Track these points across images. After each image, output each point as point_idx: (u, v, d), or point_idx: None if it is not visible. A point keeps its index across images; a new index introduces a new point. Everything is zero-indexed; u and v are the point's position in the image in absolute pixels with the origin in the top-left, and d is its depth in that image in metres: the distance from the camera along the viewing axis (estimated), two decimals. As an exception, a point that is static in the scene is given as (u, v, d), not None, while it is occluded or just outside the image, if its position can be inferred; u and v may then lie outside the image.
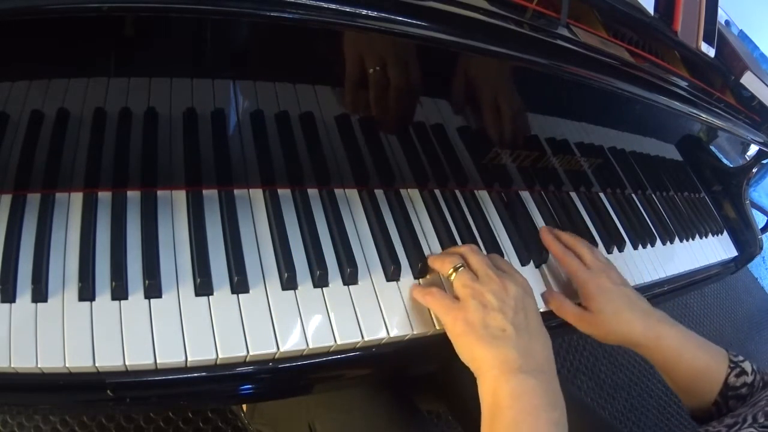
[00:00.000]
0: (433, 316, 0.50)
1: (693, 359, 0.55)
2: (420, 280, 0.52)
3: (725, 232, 1.02)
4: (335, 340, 0.45)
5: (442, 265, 0.51)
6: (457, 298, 0.48)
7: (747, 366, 0.55)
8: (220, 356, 0.41)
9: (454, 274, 0.49)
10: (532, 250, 0.62)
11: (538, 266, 0.62)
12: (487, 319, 0.45)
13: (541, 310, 0.59)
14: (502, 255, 0.59)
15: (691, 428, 0.50)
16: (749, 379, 0.54)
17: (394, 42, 0.44)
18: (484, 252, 0.57)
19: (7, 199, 0.42)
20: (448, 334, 0.47)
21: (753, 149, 0.95)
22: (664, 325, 0.56)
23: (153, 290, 0.42)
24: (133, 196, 0.46)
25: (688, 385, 0.56)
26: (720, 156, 0.96)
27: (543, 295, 0.60)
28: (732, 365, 0.55)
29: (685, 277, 0.83)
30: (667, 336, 0.55)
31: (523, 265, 0.61)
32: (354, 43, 0.43)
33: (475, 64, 0.50)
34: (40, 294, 0.39)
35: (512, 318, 0.46)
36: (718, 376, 0.54)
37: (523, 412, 0.41)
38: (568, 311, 0.58)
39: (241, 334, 0.42)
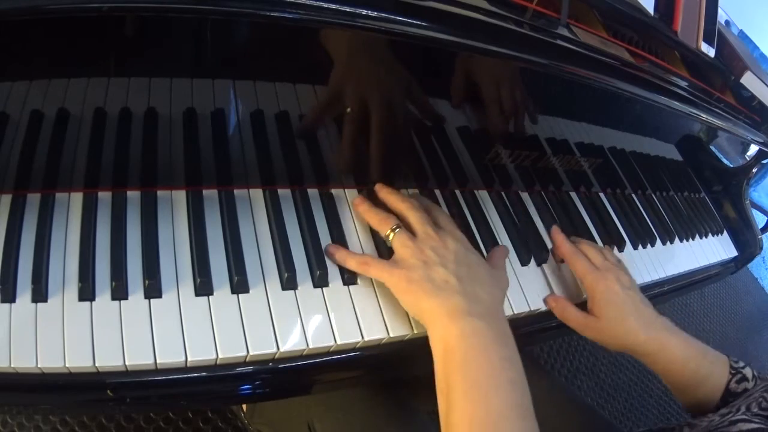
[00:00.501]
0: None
1: (696, 368, 0.55)
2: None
3: (725, 232, 1.02)
4: (335, 340, 0.45)
5: (380, 225, 0.50)
6: (396, 257, 0.48)
7: (748, 372, 0.55)
8: (220, 356, 0.41)
9: (392, 234, 0.49)
10: (532, 250, 0.62)
11: (538, 266, 0.62)
12: (430, 274, 0.45)
13: (543, 309, 0.59)
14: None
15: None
16: (749, 385, 0.54)
17: (393, 41, 0.44)
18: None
19: (7, 199, 0.42)
20: (395, 294, 0.47)
21: (753, 149, 0.95)
22: (667, 335, 0.56)
23: (153, 290, 0.42)
24: (133, 196, 0.46)
25: (691, 392, 0.56)
26: (720, 156, 0.96)
27: (546, 299, 0.59)
28: (733, 371, 0.55)
29: (685, 277, 0.83)
30: (670, 345, 0.55)
31: (523, 264, 0.61)
32: (354, 42, 0.43)
33: (474, 64, 0.50)
34: (40, 294, 0.39)
35: (455, 270, 0.46)
36: (719, 383, 0.54)
37: (473, 350, 0.42)
38: (571, 317, 0.58)
39: (241, 334, 0.42)
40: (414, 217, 0.50)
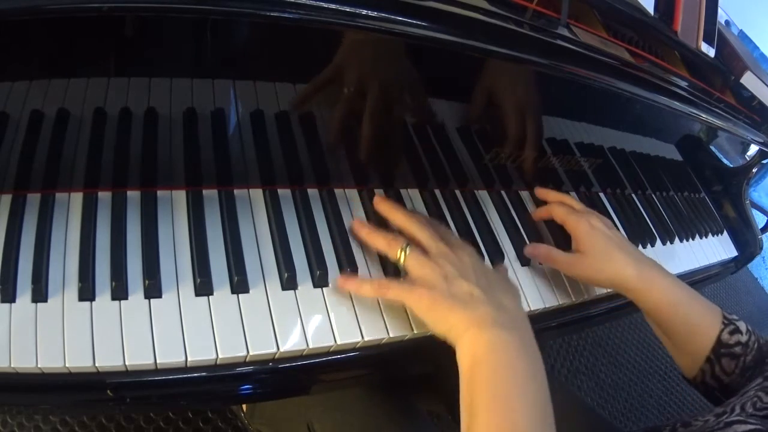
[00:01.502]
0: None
1: (688, 312, 0.54)
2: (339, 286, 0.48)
3: (725, 232, 1.02)
4: (335, 340, 0.45)
5: (388, 248, 0.49)
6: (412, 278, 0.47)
7: (742, 325, 0.55)
8: (220, 356, 0.41)
9: (403, 255, 0.47)
10: (532, 250, 0.62)
11: (539, 266, 0.62)
12: (453, 289, 0.45)
13: (543, 309, 0.59)
14: (502, 255, 0.59)
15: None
16: (743, 338, 0.54)
17: (394, 42, 0.44)
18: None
19: (7, 199, 0.42)
20: (418, 314, 0.46)
21: (753, 149, 0.95)
22: (658, 273, 0.56)
23: (153, 290, 0.42)
24: (133, 196, 0.46)
25: (682, 339, 0.55)
26: (720, 156, 0.96)
27: (526, 250, 0.60)
28: (726, 322, 0.54)
29: (685, 277, 0.83)
30: (661, 284, 0.55)
31: (523, 265, 0.61)
32: (354, 42, 0.43)
33: (475, 64, 0.50)
34: (40, 294, 0.39)
35: (476, 281, 0.45)
36: (711, 331, 0.54)
37: (499, 366, 0.41)
38: (556, 257, 0.59)
39: (241, 334, 0.42)
40: (423, 235, 0.49)
